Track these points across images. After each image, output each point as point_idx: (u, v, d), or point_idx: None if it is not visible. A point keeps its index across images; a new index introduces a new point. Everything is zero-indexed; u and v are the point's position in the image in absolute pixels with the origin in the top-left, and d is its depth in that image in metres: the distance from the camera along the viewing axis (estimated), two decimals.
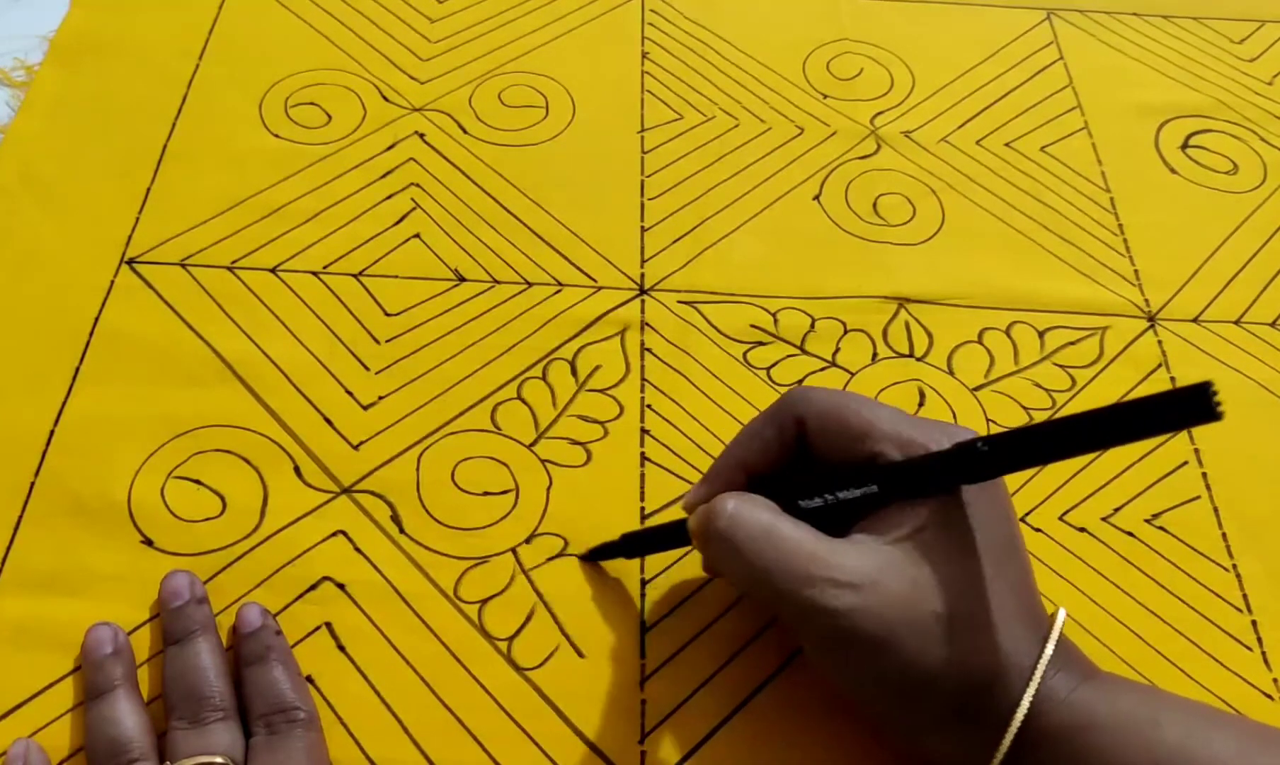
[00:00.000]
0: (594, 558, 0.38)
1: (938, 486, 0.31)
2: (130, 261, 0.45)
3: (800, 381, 0.44)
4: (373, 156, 0.50)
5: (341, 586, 0.37)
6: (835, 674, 0.32)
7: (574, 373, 0.43)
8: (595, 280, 0.46)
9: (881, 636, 0.29)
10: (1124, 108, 0.55)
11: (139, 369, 0.42)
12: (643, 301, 0.46)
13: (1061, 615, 0.31)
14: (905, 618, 0.29)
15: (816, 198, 0.50)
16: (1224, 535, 0.40)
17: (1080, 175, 0.52)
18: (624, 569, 0.38)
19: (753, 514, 0.31)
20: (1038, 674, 0.29)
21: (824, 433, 0.33)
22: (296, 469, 0.40)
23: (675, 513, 0.40)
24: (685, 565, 0.38)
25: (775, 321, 0.45)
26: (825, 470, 0.32)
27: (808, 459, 0.33)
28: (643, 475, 0.41)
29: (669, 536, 0.36)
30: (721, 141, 0.52)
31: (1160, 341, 0.46)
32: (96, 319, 0.43)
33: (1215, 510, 0.41)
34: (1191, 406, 0.26)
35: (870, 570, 0.30)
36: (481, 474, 0.40)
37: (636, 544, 0.38)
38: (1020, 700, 0.29)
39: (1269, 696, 0.37)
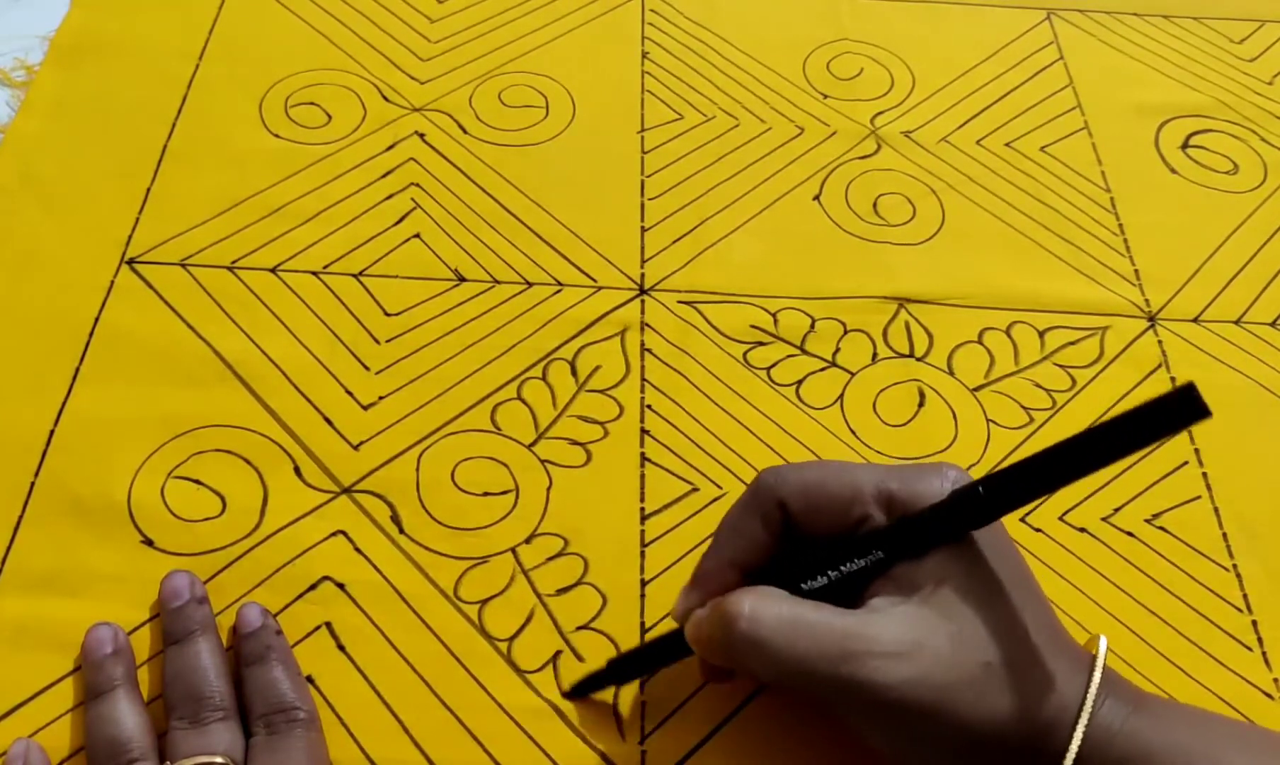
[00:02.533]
0: (582, 692, 0.36)
1: (942, 538, 0.30)
2: (130, 261, 0.45)
3: (800, 382, 0.44)
4: (373, 156, 0.50)
5: (341, 586, 0.37)
6: (889, 747, 0.30)
7: (574, 373, 0.43)
8: (595, 280, 0.46)
9: (935, 700, 0.28)
10: (1124, 108, 0.55)
11: (139, 369, 0.42)
12: (643, 301, 0.46)
13: (1103, 643, 0.30)
14: (955, 676, 0.29)
15: (816, 198, 0.50)
16: (1224, 535, 0.40)
17: (1080, 175, 0.52)
18: (623, 571, 0.38)
19: (772, 606, 0.30)
20: (1087, 705, 0.29)
21: (809, 510, 0.32)
22: (296, 469, 0.40)
23: (674, 516, 0.40)
24: (685, 566, 0.38)
25: (775, 321, 0.45)
26: (820, 548, 0.31)
27: (795, 539, 0.32)
28: (643, 475, 0.41)
29: (664, 651, 0.34)
30: (721, 141, 0.52)
31: (1160, 341, 0.46)
32: (96, 319, 0.43)
33: (1215, 510, 0.41)
34: (1181, 409, 0.26)
35: (910, 634, 0.29)
36: (481, 474, 0.40)
37: (626, 668, 0.35)
38: (1074, 736, 0.28)
39: (1269, 696, 0.37)
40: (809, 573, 0.31)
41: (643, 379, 0.43)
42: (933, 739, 0.29)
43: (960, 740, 0.29)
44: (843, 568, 0.31)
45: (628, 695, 0.36)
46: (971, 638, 0.29)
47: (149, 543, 0.38)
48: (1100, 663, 0.29)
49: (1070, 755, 0.28)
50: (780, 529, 0.32)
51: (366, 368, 0.43)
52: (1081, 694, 0.29)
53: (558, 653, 0.36)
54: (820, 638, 0.29)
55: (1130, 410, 0.27)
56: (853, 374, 0.44)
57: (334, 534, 0.38)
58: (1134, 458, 0.42)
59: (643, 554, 0.39)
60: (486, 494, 0.40)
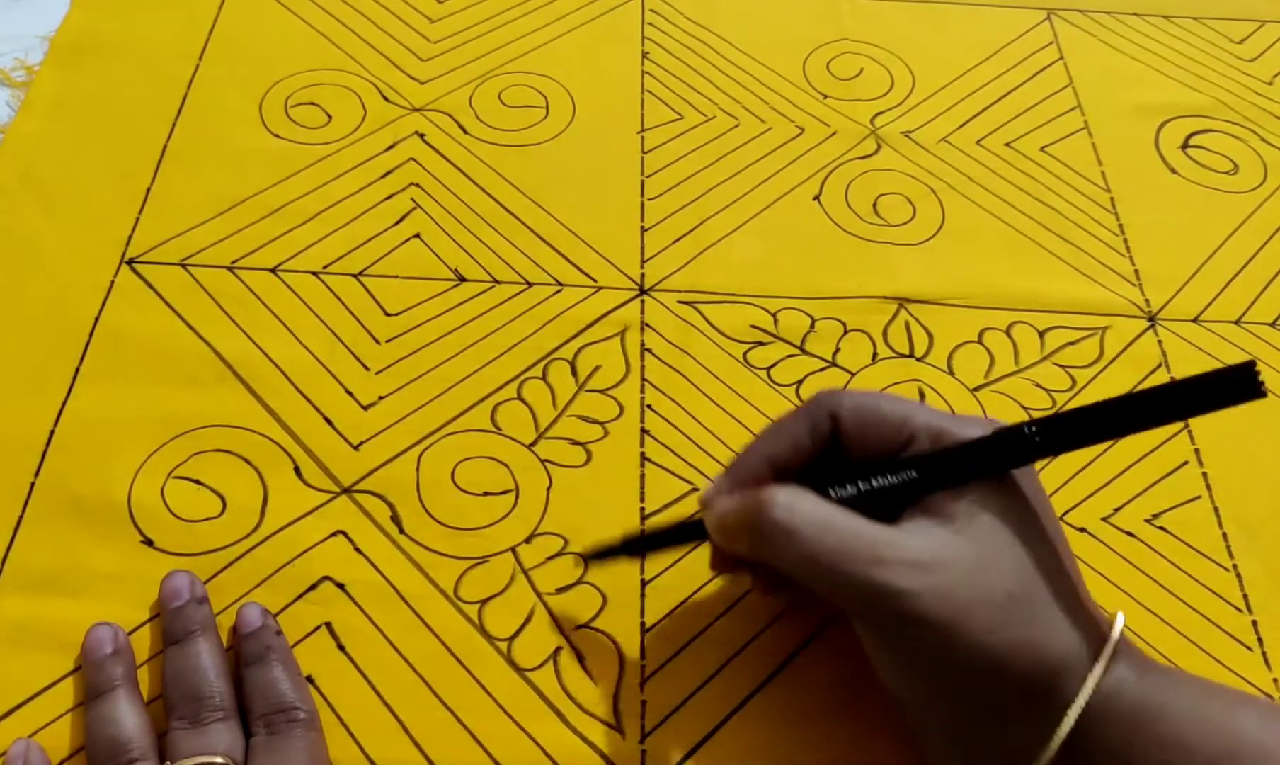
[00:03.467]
0: (597, 558, 0.38)
1: (979, 472, 0.31)
2: (130, 261, 0.45)
3: (800, 382, 0.44)
4: (373, 156, 0.50)
5: (341, 586, 0.37)
6: (899, 660, 0.31)
7: (574, 373, 0.43)
8: (595, 280, 0.46)
9: (952, 616, 0.29)
10: (1124, 108, 0.55)
11: (139, 369, 0.42)
12: (643, 302, 0.46)
13: (1121, 616, 0.30)
14: (975, 597, 0.29)
15: (816, 198, 0.50)
16: (1224, 535, 0.40)
17: (1080, 175, 0.52)
18: (624, 570, 0.38)
19: (807, 501, 0.31)
20: (1105, 654, 0.29)
21: (860, 428, 0.32)
22: (296, 469, 0.40)
23: (674, 516, 0.40)
24: (685, 566, 0.38)
25: (775, 321, 0.45)
26: (859, 464, 0.32)
27: (839, 457, 0.33)
28: (643, 475, 0.41)
29: (682, 534, 0.35)
30: (721, 141, 0.52)
31: (1160, 341, 0.46)
32: (96, 319, 0.43)
33: (1215, 510, 0.41)
34: (1236, 386, 0.26)
35: (937, 550, 0.29)
36: (481, 474, 0.40)
37: (643, 544, 0.37)
38: (1085, 684, 0.29)
39: (1269, 696, 0.37)
40: (840, 481, 0.32)
41: (643, 379, 0.43)
42: (944, 661, 0.29)
43: (971, 668, 0.29)
44: (873, 481, 0.31)
45: (628, 695, 0.36)
46: (998, 566, 0.29)
47: (149, 543, 0.38)
48: (1119, 626, 0.30)
49: (1082, 698, 0.28)
50: (826, 441, 0.33)
51: (366, 368, 0.43)
52: (1098, 646, 0.29)
53: (558, 649, 0.36)
54: (850, 538, 0.30)
55: (1186, 378, 0.27)
56: (853, 374, 0.44)
57: (334, 534, 0.38)
58: (1134, 457, 0.42)
59: (643, 554, 0.39)
60: (486, 494, 0.40)
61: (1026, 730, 0.29)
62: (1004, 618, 0.29)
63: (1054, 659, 0.29)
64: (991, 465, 0.31)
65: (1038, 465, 0.33)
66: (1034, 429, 0.30)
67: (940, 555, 0.29)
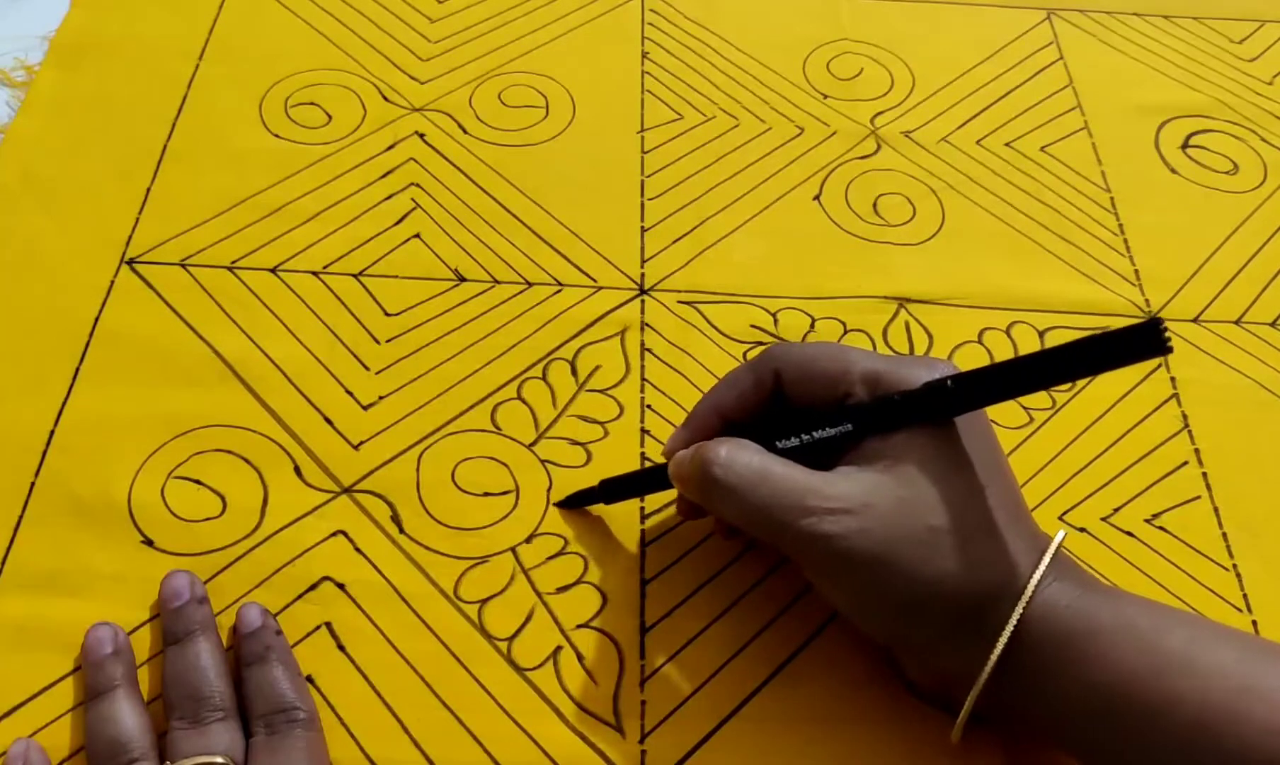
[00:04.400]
0: (572, 504, 0.39)
1: (909, 421, 0.32)
2: (130, 261, 0.45)
3: None
4: (373, 156, 0.50)
5: (341, 586, 0.37)
6: (840, 598, 0.33)
7: (574, 373, 0.43)
8: (595, 280, 0.46)
9: (878, 554, 0.31)
10: (1124, 108, 0.55)
11: (139, 369, 0.42)
12: (643, 301, 0.46)
13: (1061, 533, 0.32)
14: (900, 534, 0.31)
15: (816, 198, 0.50)
16: (1224, 535, 0.40)
17: (1080, 175, 0.52)
18: (623, 571, 0.38)
19: (745, 456, 0.33)
20: (1034, 578, 0.31)
21: (800, 381, 0.35)
22: (297, 469, 0.40)
23: (674, 515, 0.40)
24: (685, 566, 0.38)
25: (775, 321, 0.45)
26: (801, 414, 0.34)
27: (784, 409, 0.35)
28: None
29: (648, 481, 0.38)
30: (721, 141, 0.52)
31: None
32: (96, 319, 0.43)
33: (1215, 510, 0.41)
34: (1143, 341, 0.28)
35: (861, 494, 0.31)
36: (481, 474, 0.40)
37: (614, 489, 0.39)
38: (1015, 608, 0.30)
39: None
40: (784, 433, 0.34)
41: (643, 379, 0.43)
42: (878, 594, 0.31)
43: (905, 595, 0.31)
44: (815, 433, 0.34)
45: (628, 695, 0.36)
46: (920, 503, 0.31)
47: (149, 543, 0.38)
48: (1055, 546, 0.32)
49: (1011, 622, 0.30)
50: (770, 392, 0.35)
51: (366, 368, 0.43)
52: (1032, 570, 0.31)
53: (558, 648, 0.36)
54: (781, 490, 0.32)
55: (1096, 334, 0.29)
56: None
57: (334, 534, 0.38)
58: (1134, 457, 0.42)
59: (643, 553, 0.39)
60: (487, 494, 0.40)
61: (965, 653, 0.31)
62: (928, 552, 0.31)
63: (984, 586, 0.31)
64: (918, 416, 0.32)
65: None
66: (952, 383, 0.32)
67: (865, 498, 0.31)
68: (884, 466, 0.32)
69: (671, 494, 0.39)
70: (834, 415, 0.33)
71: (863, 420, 0.33)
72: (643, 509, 0.40)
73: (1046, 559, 0.31)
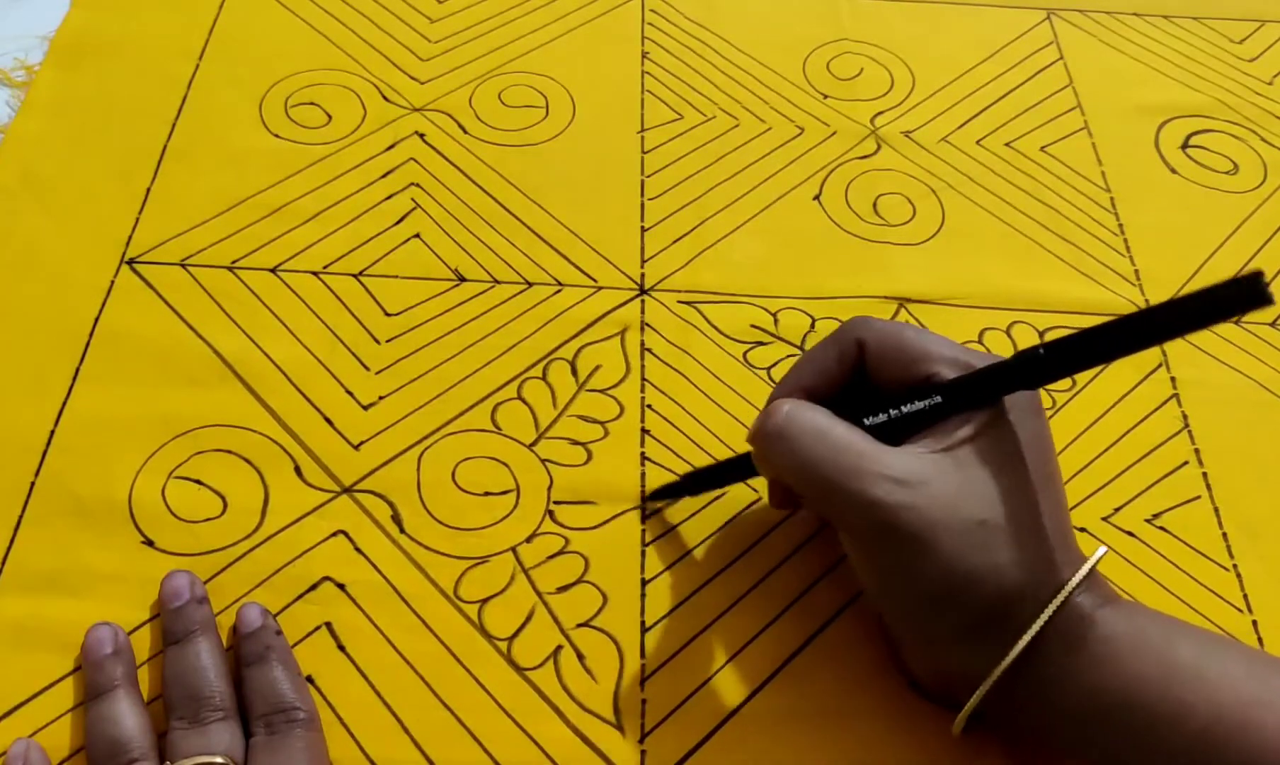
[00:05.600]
0: (657, 498, 0.40)
1: (999, 395, 0.32)
2: (130, 261, 0.45)
3: None
4: (373, 156, 0.50)
5: (341, 586, 0.37)
6: (871, 573, 0.33)
7: (574, 373, 0.43)
8: (595, 280, 0.46)
9: (925, 534, 0.30)
10: (1124, 108, 0.55)
11: (139, 369, 0.42)
12: (643, 301, 0.46)
13: (1102, 550, 0.32)
14: (949, 519, 0.30)
15: (816, 198, 0.50)
16: (1224, 535, 0.40)
17: (1080, 175, 0.52)
18: (623, 571, 0.38)
19: (808, 413, 0.33)
20: (1068, 588, 0.30)
21: (882, 356, 0.34)
22: (297, 469, 0.40)
23: (675, 515, 0.40)
24: (685, 565, 0.38)
25: (775, 321, 0.45)
26: (885, 392, 0.34)
27: (865, 385, 0.35)
28: (643, 475, 0.41)
29: (731, 469, 0.38)
30: (721, 141, 0.52)
31: None
32: (96, 319, 0.43)
33: (1215, 510, 0.41)
34: (1243, 295, 0.27)
35: (918, 470, 0.31)
36: (482, 474, 0.40)
37: (701, 481, 0.39)
38: (1039, 616, 0.30)
39: None
40: (871, 409, 0.34)
41: (643, 379, 0.43)
42: (915, 574, 0.31)
43: (939, 582, 0.31)
44: (903, 408, 0.33)
45: (628, 695, 0.36)
46: (974, 494, 0.31)
47: (149, 543, 0.38)
48: (1095, 560, 0.31)
49: (1033, 628, 0.30)
50: (853, 367, 0.35)
51: (366, 368, 0.43)
52: (1064, 579, 0.31)
53: (558, 648, 0.36)
54: (839, 448, 0.32)
55: (1192, 292, 0.28)
56: None
57: (334, 534, 0.38)
58: (1134, 457, 0.42)
59: (643, 553, 0.39)
60: (487, 494, 0.40)
61: (983, 651, 0.31)
62: (973, 542, 0.30)
63: (1014, 588, 0.31)
64: (1009, 386, 0.32)
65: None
66: (1043, 350, 0.31)
67: (922, 475, 0.31)
68: (945, 448, 0.32)
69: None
70: (922, 390, 0.33)
71: (952, 394, 0.32)
72: (643, 509, 0.40)
73: (1084, 571, 0.31)
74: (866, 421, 0.33)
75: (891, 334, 0.34)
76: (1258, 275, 0.26)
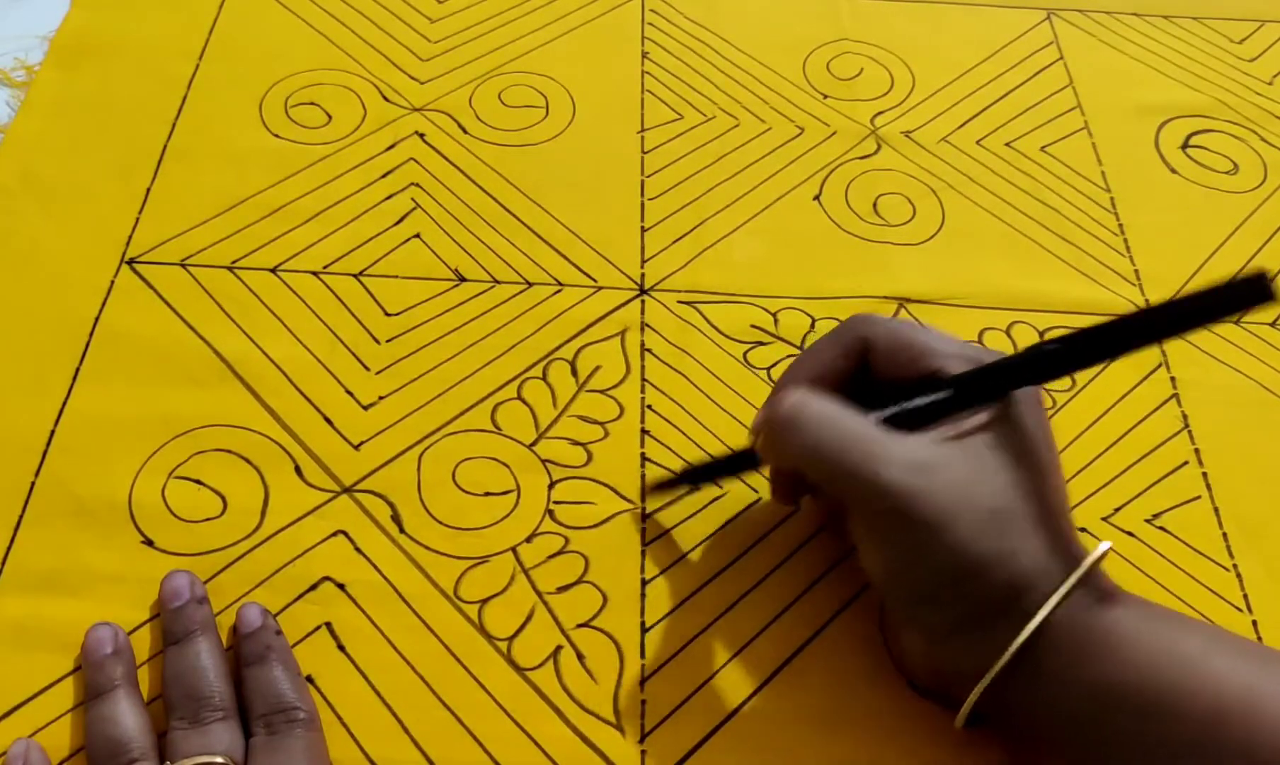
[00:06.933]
0: (657, 491, 0.40)
1: (1008, 389, 0.32)
2: (130, 261, 0.45)
3: None
4: (373, 156, 0.50)
5: (341, 586, 0.37)
6: (879, 558, 0.33)
7: (574, 373, 0.43)
8: (595, 280, 0.46)
9: (936, 518, 0.31)
10: (1124, 108, 0.55)
11: (139, 369, 0.42)
12: (643, 302, 0.46)
13: (1106, 545, 0.32)
14: (960, 505, 0.31)
15: (817, 198, 0.50)
16: (1224, 535, 0.40)
17: (1080, 175, 0.52)
18: (623, 571, 0.38)
19: (818, 401, 0.33)
20: (1075, 575, 0.31)
21: (889, 352, 0.34)
22: (297, 469, 0.40)
23: (674, 515, 0.40)
24: (685, 565, 0.38)
25: (775, 321, 0.45)
26: (891, 387, 0.34)
27: (866, 381, 0.35)
28: (643, 475, 0.41)
29: (733, 463, 0.38)
30: (721, 141, 0.52)
31: (1160, 341, 0.46)
32: (96, 319, 0.43)
33: (1215, 510, 0.41)
34: (1247, 293, 0.27)
35: (931, 457, 0.31)
36: (482, 474, 0.40)
37: (699, 473, 0.39)
38: (1043, 606, 0.30)
39: None
40: (879, 402, 0.33)
41: (643, 379, 0.43)
42: (924, 558, 0.31)
43: (948, 567, 0.31)
44: (913, 399, 0.33)
45: (628, 695, 0.36)
46: (984, 482, 0.31)
47: (149, 543, 0.38)
48: (1099, 554, 0.31)
49: (1036, 618, 0.30)
50: (857, 362, 0.35)
51: (366, 368, 0.43)
52: (1067, 570, 0.31)
53: (558, 648, 0.36)
54: (851, 434, 0.32)
55: (1197, 291, 0.28)
56: None
57: (334, 534, 0.38)
58: (1134, 457, 0.42)
59: (643, 553, 0.39)
60: (487, 494, 0.40)
61: (987, 639, 0.31)
62: (984, 529, 0.31)
63: (1021, 577, 0.31)
64: (1018, 380, 0.32)
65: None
66: (1053, 345, 0.31)
67: (934, 462, 0.31)
68: (957, 441, 0.32)
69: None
70: (932, 383, 0.33)
71: (964, 386, 0.32)
72: (643, 509, 0.40)
73: (1089, 562, 0.31)
74: (873, 415, 0.33)
75: (898, 330, 0.35)
76: (1264, 274, 0.27)
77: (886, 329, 0.35)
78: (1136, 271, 0.48)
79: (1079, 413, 0.43)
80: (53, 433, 0.40)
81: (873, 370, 0.35)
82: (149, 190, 0.48)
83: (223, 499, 0.39)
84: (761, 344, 0.45)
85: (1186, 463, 0.42)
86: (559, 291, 0.46)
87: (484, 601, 0.37)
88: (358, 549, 0.38)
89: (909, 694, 0.36)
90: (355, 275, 0.46)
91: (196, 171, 0.48)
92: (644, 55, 0.55)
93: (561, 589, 0.38)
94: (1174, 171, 0.52)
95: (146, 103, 0.51)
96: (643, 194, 0.49)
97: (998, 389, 0.32)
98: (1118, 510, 0.41)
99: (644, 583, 0.38)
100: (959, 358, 0.33)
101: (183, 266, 0.45)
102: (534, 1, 0.57)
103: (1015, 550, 0.31)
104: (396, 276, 0.46)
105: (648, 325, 0.45)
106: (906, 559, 0.32)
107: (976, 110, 0.54)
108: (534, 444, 0.41)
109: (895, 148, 0.52)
